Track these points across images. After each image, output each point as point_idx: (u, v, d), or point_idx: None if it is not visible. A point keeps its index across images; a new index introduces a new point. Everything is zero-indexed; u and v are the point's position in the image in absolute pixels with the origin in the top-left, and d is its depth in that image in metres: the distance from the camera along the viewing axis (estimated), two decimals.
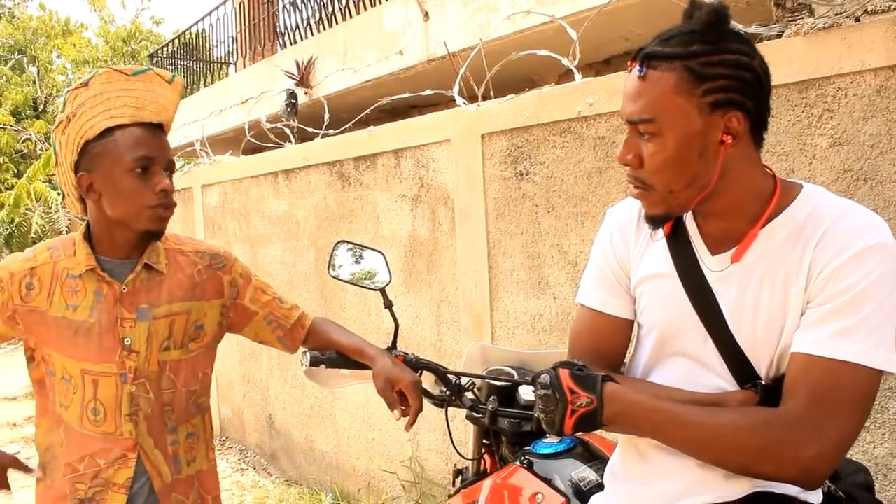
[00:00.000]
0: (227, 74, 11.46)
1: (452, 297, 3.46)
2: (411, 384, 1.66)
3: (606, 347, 1.35)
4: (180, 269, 1.69)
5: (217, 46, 11.61)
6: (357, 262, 1.89)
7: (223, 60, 11.59)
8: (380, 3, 6.21)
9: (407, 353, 1.78)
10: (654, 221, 1.23)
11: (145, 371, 1.61)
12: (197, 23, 10.11)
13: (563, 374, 1.16)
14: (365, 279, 1.88)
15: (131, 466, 1.60)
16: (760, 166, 1.19)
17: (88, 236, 1.64)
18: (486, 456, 1.93)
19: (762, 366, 1.18)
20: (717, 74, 1.10)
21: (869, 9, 2.42)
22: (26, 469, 1.70)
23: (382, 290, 1.85)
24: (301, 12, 7.57)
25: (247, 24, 9.07)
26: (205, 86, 10.60)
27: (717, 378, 1.21)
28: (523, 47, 3.37)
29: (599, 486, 1.49)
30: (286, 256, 4.85)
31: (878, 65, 1.98)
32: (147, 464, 1.62)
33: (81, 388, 1.59)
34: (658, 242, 1.29)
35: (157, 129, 1.60)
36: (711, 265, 1.21)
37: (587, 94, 2.75)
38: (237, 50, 9.60)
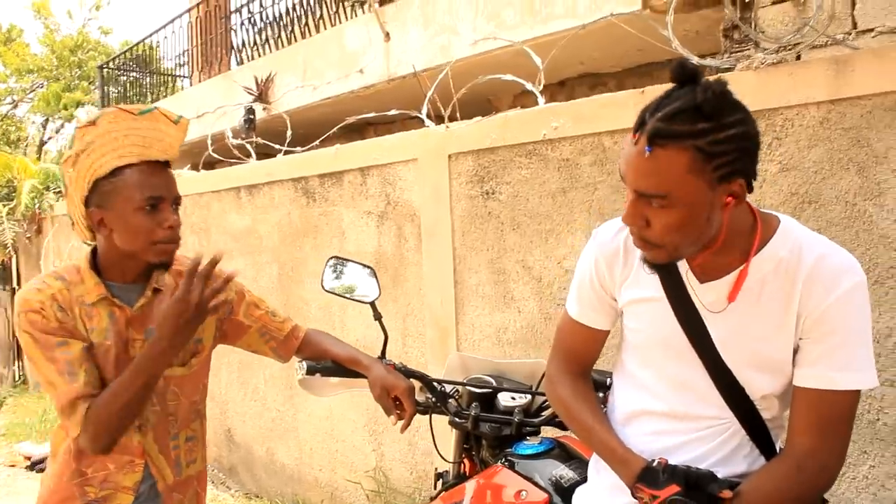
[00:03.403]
0: (177, 88, 11.42)
1: (418, 311, 3.57)
2: (406, 391, 1.78)
3: (581, 350, 1.56)
4: None
5: (167, 60, 11.59)
6: (348, 276, 2.00)
7: (174, 73, 11.55)
8: (340, 23, 6.33)
9: (396, 363, 1.89)
10: (656, 268, 1.33)
11: None
12: (150, 36, 10.07)
13: None
14: (356, 293, 1.99)
15: (139, 471, 1.69)
16: (745, 206, 1.31)
17: (94, 264, 1.69)
18: (464, 460, 2.04)
19: (750, 386, 1.33)
20: (724, 151, 1.18)
21: (806, 40, 2.64)
22: None
23: (372, 304, 1.96)
24: (261, 32, 7.63)
25: (201, 39, 9.08)
26: (154, 99, 10.55)
27: (703, 396, 1.35)
28: (482, 69, 3.53)
29: (578, 483, 1.62)
30: (247, 271, 4.89)
31: (820, 99, 2.18)
32: (152, 468, 1.71)
33: None
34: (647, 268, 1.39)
35: (164, 167, 1.67)
36: (700, 292, 1.34)
37: (552, 118, 2.90)
38: (190, 64, 9.59)
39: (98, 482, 1.66)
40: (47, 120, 16.72)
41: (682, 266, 1.36)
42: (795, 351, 1.30)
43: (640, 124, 1.21)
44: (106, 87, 11.76)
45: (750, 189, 1.27)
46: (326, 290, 1.99)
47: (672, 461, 1.31)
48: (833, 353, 1.26)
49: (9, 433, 6.77)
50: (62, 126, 16.51)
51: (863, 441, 2.14)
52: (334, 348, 1.90)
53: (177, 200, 1.67)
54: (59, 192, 9.07)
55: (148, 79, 11.33)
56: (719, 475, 1.27)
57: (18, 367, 9.41)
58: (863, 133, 2.12)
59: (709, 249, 1.30)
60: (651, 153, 1.18)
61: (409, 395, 1.79)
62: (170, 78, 11.33)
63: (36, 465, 5.77)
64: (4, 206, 10.88)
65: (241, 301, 1.88)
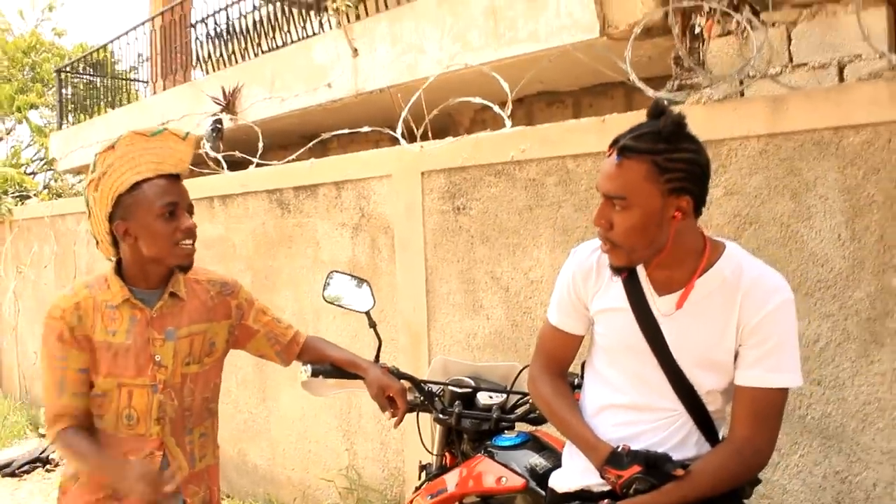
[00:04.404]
0: (135, 93, 11.44)
1: (391, 318, 3.79)
2: (400, 391, 2.02)
3: (560, 354, 1.82)
4: (196, 296, 1.98)
5: (120, 63, 11.61)
6: (345, 288, 2.23)
7: (131, 78, 11.57)
8: (308, 37, 6.51)
9: (389, 366, 2.12)
10: (617, 271, 1.61)
11: (171, 382, 1.90)
12: (111, 42, 10.09)
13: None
14: (352, 304, 2.22)
15: (158, 462, 1.89)
16: (696, 230, 1.60)
17: (119, 273, 1.91)
18: (445, 453, 2.28)
19: (698, 382, 1.60)
20: (676, 168, 1.49)
21: (750, 73, 2.95)
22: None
23: (367, 313, 2.20)
24: (226, 43, 7.76)
25: (161, 46, 9.14)
26: (108, 105, 10.56)
27: (656, 389, 1.62)
28: (448, 86, 3.76)
29: (550, 470, 1.87)
30: None
31: (760, 132, 2.48)
32: (171, 459, 1.91)
33: (117, 399, 1.87)
34: (615, 283, 1.66)
35: (177, 178, 1.90)
36: (658, 304, 1.61)
37: (520, 141, 3.16)
38: (153, 72, 9.64)
39: None
40: None
41: (644, 281, 1.63)
42: (736, 355, 1.58)
43: (615, 142, 1.54)
44: (63, 91, 11.70)
45: (698, 212, 1.57)
46: (326, 301, 2.21)
47: (634, 447, 1.57)
48: (766, 357, 1.54)
49: None
50: (13, 128, 16.29)
51: (794, 433, 2.43)
52: (333, 352, 2.13)
53: (190, 207, 1.89)
54: (19, 196, 9.07)
55: (105, 83, 11.31)
56: (674, 458, 1.54)
57: None
58: (795, 164, 2.42)
59: (659, 256, 1.57)
60: (619, 162, 1.51)
61: (402, 394, 2.02)
62: (128, 83, 11.35)
63: (1, 470, 5.81)
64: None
65: (250, 307, 2.09)
